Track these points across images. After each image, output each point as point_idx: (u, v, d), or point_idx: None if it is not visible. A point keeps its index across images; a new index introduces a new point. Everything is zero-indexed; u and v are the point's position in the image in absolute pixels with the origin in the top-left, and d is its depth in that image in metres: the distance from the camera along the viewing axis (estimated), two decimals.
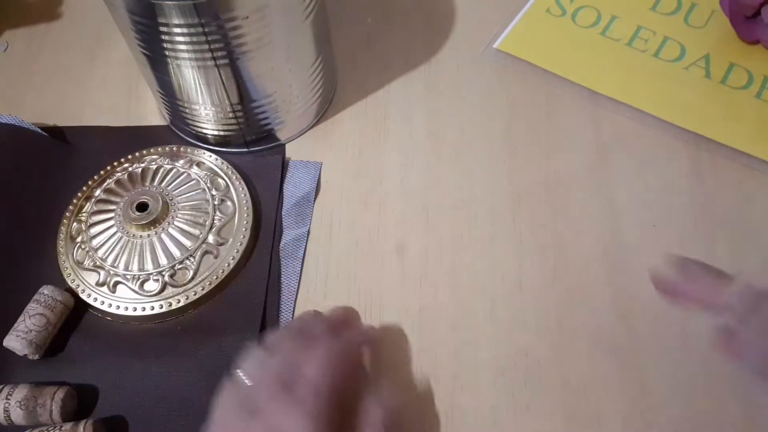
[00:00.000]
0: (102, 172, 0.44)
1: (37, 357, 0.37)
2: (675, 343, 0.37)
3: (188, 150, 0.45)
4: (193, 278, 0.39)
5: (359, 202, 0.44)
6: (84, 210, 0.42)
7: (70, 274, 0.40)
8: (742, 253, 0.40)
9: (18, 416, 0.34)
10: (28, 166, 0.44)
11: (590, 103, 0.47)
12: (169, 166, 0.43)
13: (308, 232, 0.42)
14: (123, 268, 0.39)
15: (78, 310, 0.39)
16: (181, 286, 0.39)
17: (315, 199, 0.44)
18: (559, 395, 0.36)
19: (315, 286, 0.41)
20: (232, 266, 0.40)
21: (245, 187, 0.43)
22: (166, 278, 0.39)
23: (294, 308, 0.40)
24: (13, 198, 0.43)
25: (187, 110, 0.43)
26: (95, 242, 0.40)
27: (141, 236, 0.40)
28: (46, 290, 0.38)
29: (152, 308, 0.38)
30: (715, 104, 0.46)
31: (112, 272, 0.39)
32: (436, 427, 0.36)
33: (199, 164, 0.44)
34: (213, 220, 0.41)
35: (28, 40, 0.54)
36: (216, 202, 0.42)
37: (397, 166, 0.45)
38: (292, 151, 0.46)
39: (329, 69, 0.47)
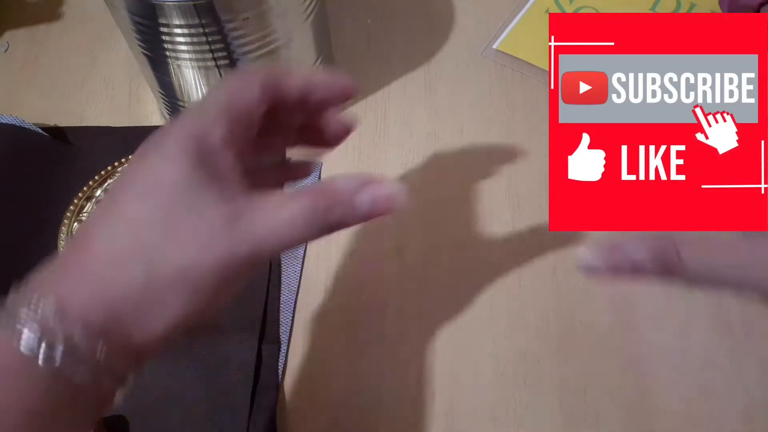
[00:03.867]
0: (103, 172, 0.44)
1: None
2: (675, 343, 0.37)
3: None
4: None
5: None
6: (85, 210, 0.42)
7: None
8: None
9: None
10: (29, 166, 0.44)
11: None
12: None
13: None
14: None
15: None
16: None
17: None
18: (558, 395, 0.36)
19: (315, 286, 0.41)
20: None
21: None
22: None
23: (294, 308, 0.40)
24: (14, 198, 0.43)
25: None
26: None
27: None
28: None
29: None
30: None
31: None
32: (436, 427, 0.36)
33: None
34: None
35: (29, 40, 0.54)
36: None
37: (397, 166, 0.45)
38: (292, 151, 0.46)
39: (329, 69, 0.47)
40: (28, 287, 0.22)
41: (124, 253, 0.22)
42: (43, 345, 0.20)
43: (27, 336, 0.20)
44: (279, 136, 0.30)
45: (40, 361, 0.20)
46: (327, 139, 0.30)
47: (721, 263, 0.24)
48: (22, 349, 0.20)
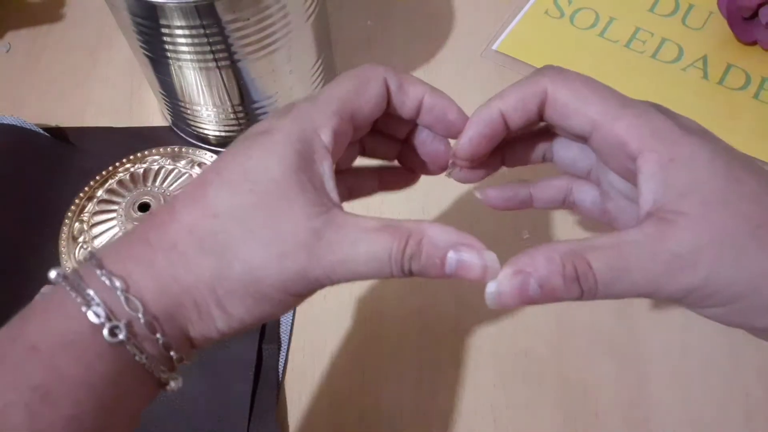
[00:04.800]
0: (104, 173, 0.44)
1: None
2: (675, 343, 0.38)
3: (190, 150, 0.45)
4: None
5: (359, 203, 0.44)
6: (86, 210, 0.42)
7: None
8: None
9: None
10: (31, 166, 0.44)
11: None
12: (170, 167, 0.43)
13: None
14: None
15: None
16: None
17: None
18: (558, 394, 0.36)
19: None
20: None
21: None
22: None
23: (294, 308, 0.40)
24: (15, 199, 0.43)
25: (188, 111, 0.44)
26: (97, 242, 0.40)
27: None
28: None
29: None
30: (713, 105, 0.46)
31: None
32: (437, 426, 0.36)
33: (200, 165, 0.44)
34: None
35: (31, 41, 0.54)
36: None
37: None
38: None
39: (330, 70, 0.47)
40: (102, 257, 0.21)
41: (200, 242, 0.21)
42: (110, 319, 0.20)
43: (95, 307, 0.20)
44: (383, 142, 0.29)
45: (105, 333, 0.20)
46: (418, 163, 0.29)
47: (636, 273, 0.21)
48: (91, 317, 0.20)
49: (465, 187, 0.44)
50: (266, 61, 0.40)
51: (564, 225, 0.42)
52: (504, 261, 0.43)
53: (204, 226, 0.21)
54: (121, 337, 0.20)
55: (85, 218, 0.42)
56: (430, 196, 0.44)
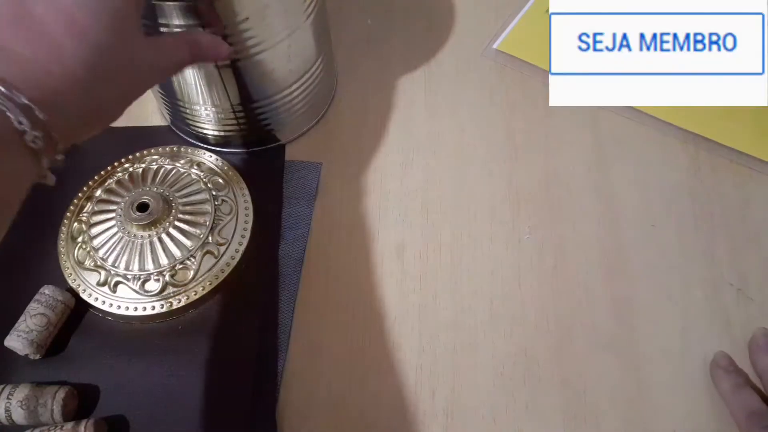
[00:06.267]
0: (103, 173, 0.44)
1: (38, 357, 0.37)
2: (675, 343, 0.38)
3: (189, 150, 0.45)
4: (193, 278, 0.39)
5: (359, 203, 0.44)
6: (85, 210, 0.42)
7: (71, 273, 0.40)
8: (742, 252, 0.40)
9: (19, 416, 0.34)
10: None
11: None
12: (169, 167, 0.43)
13: (308, 232, 0.43)
14: (124, 268, 0.39)
15: (79, 309, 0.39)
16: (181, 285, 0.39)
17: (315, 199, 0.44)
18: (558, 395, 0.36)
19: (315, 286, 0.41)
20: (232, 266, 0.40)
21: (245, 188, 0.43)
22: (167, 278, 0.39)
23: (294, 308, 0.40)
24: None
25: (187, 111, 0.43)
26: (96, 242, 0.40)
27: (142, 236, 0.40)
28: (47, 290, 0.38)
29: (153, 308, 0.39)
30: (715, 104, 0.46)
31: (113, 272, 0.39)
32: (436, 427, 0.36)
33: (199, 164, 0.44)
34: (213, 220, 0.41)
35: None
36: (216, 202, 0.42)
37: (397, 166, 0.45)
38: (292, 152, 0.46)
39: (329, 69, 0.47)
40: None
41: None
42: None
43: None
44: None
45: None
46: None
47: None
48: None
49: (464, 186, 0.44)
50: (266, 61, 0.40)
51: (564, 225, 0.42)
52: (503, 260, 0.43)
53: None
54: None
55: (84, 218, 0.41)
56: (430, 193, 0.44)
